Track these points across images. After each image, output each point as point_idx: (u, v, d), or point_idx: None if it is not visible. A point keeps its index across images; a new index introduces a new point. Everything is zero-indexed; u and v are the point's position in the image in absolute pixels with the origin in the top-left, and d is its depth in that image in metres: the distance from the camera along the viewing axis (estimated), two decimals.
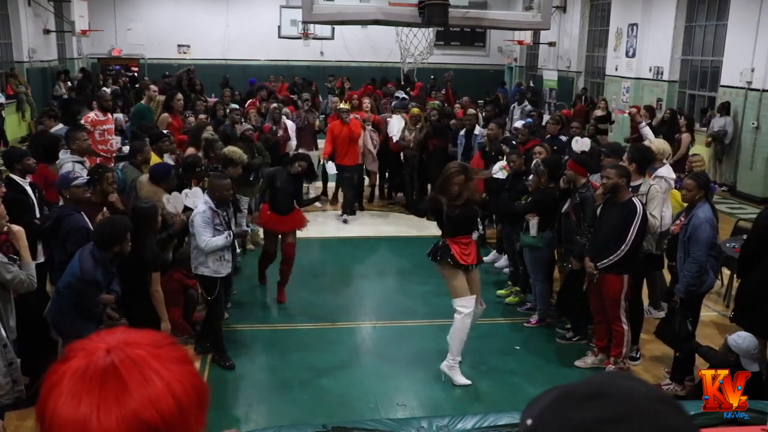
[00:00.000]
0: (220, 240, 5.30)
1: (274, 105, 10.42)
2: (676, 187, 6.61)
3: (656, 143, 6.87)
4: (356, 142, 9.85)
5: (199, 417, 0.92)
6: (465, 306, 5.23)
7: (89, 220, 5.07)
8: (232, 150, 6.50)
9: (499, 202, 7.15)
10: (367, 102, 11.00)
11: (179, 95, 9.28)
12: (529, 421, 0.84)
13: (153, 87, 10.17)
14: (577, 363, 5.74)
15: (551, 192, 6.26)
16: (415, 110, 10.34)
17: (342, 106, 10.09)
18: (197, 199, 5.90)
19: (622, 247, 5.15)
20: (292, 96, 12.90)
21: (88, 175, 5.51)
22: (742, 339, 4.38)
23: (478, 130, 8.78)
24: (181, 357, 0.94)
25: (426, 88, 15.12)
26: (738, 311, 5.18)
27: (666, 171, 6.42)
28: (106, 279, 4.46)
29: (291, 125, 10.10)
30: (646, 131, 7.80)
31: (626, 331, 5.43)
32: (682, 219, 5.27)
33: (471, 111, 9.46)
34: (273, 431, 3.68)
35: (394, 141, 10.16)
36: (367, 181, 10.76)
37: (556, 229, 6.27)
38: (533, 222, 6.19)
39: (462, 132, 9.03)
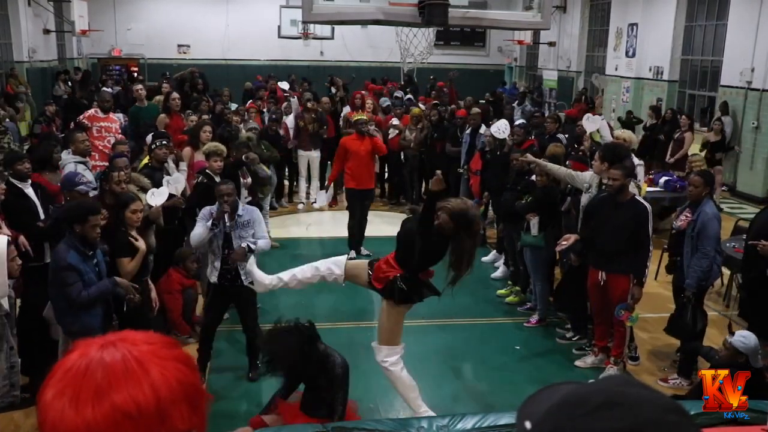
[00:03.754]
0: (198, 229, 5.03)
1: (285, 104, 10.48)
2: (677, 186, 6.78)
3: (625, 134, 7.03)
4: (373, 161, 8.45)
5: (186, 414, 0.92)
6: (393, 355, 4.56)
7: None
8: (214, 144, 6.51)
9: (501, 201, 7.16)
10: (369, 102, 11.00)
11: (174, 95, 9.28)
12: (527, 424, 0.83)
13: (140, 87, 10.15)
14: (578, 363, 5.75)
15: (553, 191, 6.28)
16: (416, 110, 10.32)
17: (359, 116, 8.49)
18: (179, 185, 5.93)
19: (650, 249, 5.18)
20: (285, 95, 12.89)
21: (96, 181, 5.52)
22: (747, 338, 4.39)
23: (482, 129, 8.76)
24: (174, 355, 0.96)
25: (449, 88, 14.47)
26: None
27: (636, 159, 6.80)
28: (86, 265, 4.28)
29: (291, 123, 10.13)
30: (603, 125, 7.79)
31: (627, 332, 5.45)
32: (688, 215, 5.30)
33: (475, 110, 9.43)
34: (273, 431, 3.67)
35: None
36: None
37: (557, 227, 6.29)
38: (534, 221, 6.20)
39: (467, 131, 9.00)
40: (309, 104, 10.17)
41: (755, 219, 5.68)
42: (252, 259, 4.85)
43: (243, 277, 5.09)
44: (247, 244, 5.01)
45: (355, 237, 8.32)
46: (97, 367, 0.90)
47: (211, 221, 4.99)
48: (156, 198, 5.54)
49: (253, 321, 5.37)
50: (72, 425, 0.87)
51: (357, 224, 8.28)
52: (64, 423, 0.88)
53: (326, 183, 8.63)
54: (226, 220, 5.04)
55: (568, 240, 5.39)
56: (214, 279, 5.13)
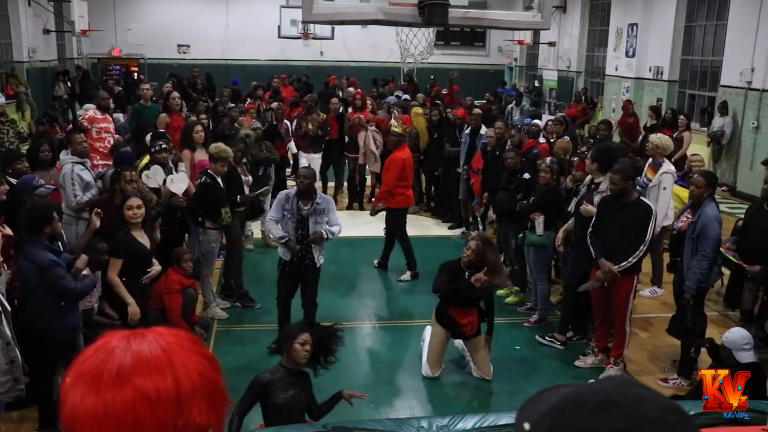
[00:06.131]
0: (275, 229, 5.63)
1: (276, 104, 10.42)
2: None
3: (661, 139, 7.02)
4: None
5: (204, 409, 0.93)
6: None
7: (109, 222, 5.11)
8: (223, 148, 6.50)
9: (497, 201, 7.17)
10: (370, 103, 11.00)
11: (175, 94, 9.28)
12: (526, 425, 0.83)
13: (146, 86, 10.13)
14: (577, 363, 5.74)
15: (555, 189, 6.29)
16: (417, 109, 10.25)
17: (396, 128, 8.13)
18: (182, 184, 5.98)
19: (641, 247, 5.16)
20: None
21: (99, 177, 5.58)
22: (732, 333, 4.45)
23: (483, 130, 8.75)
24: (199, 350, 0.97)
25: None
26: None
27: (669, 166, 6.78)
28: (61, 260, 4.32)
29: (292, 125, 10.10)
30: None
31: (629, 333, 5.44)
32: (689, 216, 5.30)
33: (477, 111, 9.42)
34: (273, 431, 3.67)
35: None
36: (368, 181, 10.75)
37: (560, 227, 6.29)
38: (539, 221, 6.20)
39: (466, 131, 9.00)
40: (316, 120, 10.03)
41: (748, 216, 5.70)
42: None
43: (316, 260, 5.70)
44: (327, 235, 5.59)
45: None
46: (121, 353, 0.92)
47: (283, 234, 5.57)
48: (176, 185, 5.86)
49: (312, 297, 5.82)
50: (91, 408, 0.88)
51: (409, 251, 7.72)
52: (83, 406, 0.88)
53: (375, 201, 8.14)
54: (302, 205, 5.57)
55: (606, 266, 5.36)
56: (288, 257, 5.68)
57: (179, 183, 5.99)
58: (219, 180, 6.30)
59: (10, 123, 10.02)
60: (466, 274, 5.23)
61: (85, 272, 4.50)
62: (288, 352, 3.89)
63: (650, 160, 6.99)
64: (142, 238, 5.12)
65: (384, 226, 7.95)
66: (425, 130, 10.00)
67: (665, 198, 6.62)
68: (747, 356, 4.30)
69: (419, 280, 7.61)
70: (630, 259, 5.16)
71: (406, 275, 7.66)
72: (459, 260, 5.33)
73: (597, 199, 5.60)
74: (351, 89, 14.83)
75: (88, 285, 4.46)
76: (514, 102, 15.83)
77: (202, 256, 6.38)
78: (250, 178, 7.19)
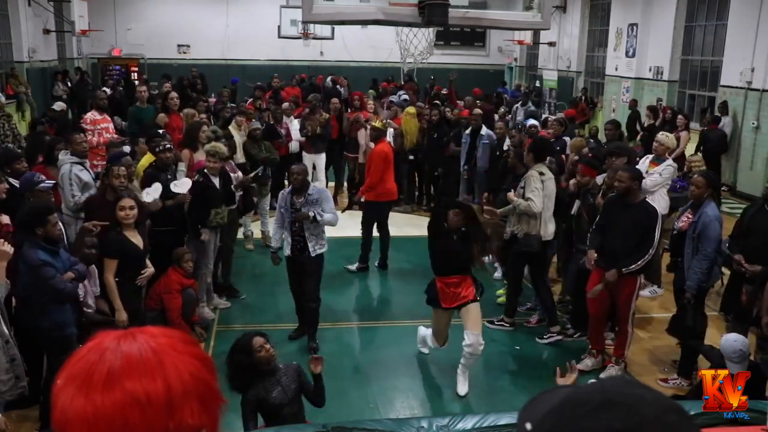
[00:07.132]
0: (274, 235, 5.98)
1: (285, 105, 10.43)
2: (677, 186, 6.90)
3: (669, 137, 7.28)
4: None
5: (197, 411, 0.92)
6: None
7: (102, 220, 5.09)
8: (212, 145, 6.50)
9: (496, 202, 7.16)
10: (370, 103, 10.99)
11: (173, 94, 9.28)
12: (528, 425, 0.83)
13: (142, 88, 10.11)
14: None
15: (559, 193, 6.28)
16: (411, 109, 10.23)
17: (376, 123, 8.22)
18: (185, 187, 6.07)
19: (650, 251, 5.13)
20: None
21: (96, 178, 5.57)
22: (726, 340, 4.42)
23: (484, 130, 8.74)
24: (191, 351, 0.96)
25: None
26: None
27: (671, 162, 6.98)
28: (55, 261, 4.30)
29: (295, 127, 10.05)
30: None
31: (630, 334, 5.42)
32: (690, 216, 5.29)
33: (477, 111, 9.41)
34: (273, 431, 3.67)
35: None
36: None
37: (566, 231, 6.28)
38: None
39: (467, 131, 8.99)
40: (318, 120, 9.97)
41: (746, 217, 5.68)
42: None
43: (310, 250, 5.70)
44: (314, 214, 5.57)
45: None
46: (111, 355, 0.90)
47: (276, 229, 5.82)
48: (149, 196, 5.76)
49: (312, 291, 5.84)
50: (81, 410, 0.87)
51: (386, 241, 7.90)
52: (73, 408, 0.88)
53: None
54: (295, 199, 5.65)
55: (593, 257, 5.37)
56: (288, 252, 5.77)
57: (154, 192, 5.85)
58: (214, 179, 6.29)
59: (6, 117, 10.08)
60: (454, 237, 5.10)
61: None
62: (255, 362, 3.83)
63: (651, 156, 7.02)
64: (135, 238, 5.11)
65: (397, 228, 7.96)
66: (415, 130, 9.98)
67: (655, 180, 6.61)
68: (736, 368, 4.26)
69: (418, 279, 7.61)
70: (639, 263, 5.13)
71: (354, 265, 7.75)
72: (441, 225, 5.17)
73: (519, 185, 5.92)
74: (339, 87, 14.88)
75: (76, 286, 4.47)
76: (520, 102, 15.86)
77: (199, 256, 6.37)
78: (239, 174, 7.15)
